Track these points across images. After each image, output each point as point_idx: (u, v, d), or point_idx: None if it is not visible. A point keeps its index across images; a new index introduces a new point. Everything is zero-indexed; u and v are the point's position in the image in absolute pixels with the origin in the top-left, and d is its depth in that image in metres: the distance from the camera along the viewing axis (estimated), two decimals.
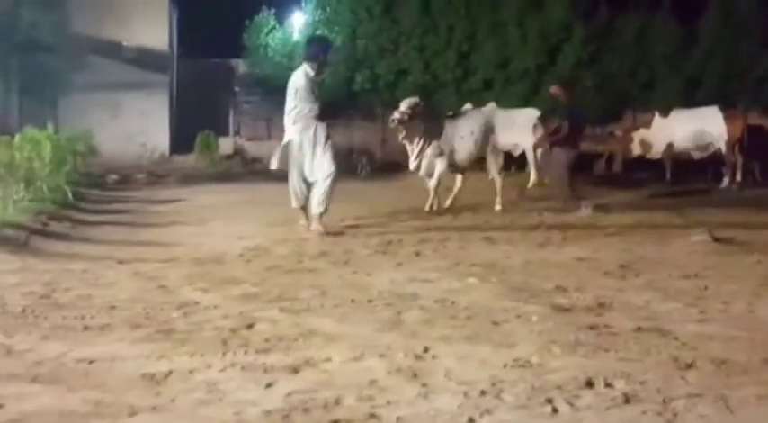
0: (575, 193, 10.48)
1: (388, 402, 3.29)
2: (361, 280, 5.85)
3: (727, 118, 12.80)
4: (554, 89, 10.65)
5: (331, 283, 5.72)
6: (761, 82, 15.48)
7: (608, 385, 3.54)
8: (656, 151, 13.45)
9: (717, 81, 15.15)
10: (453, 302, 5.13)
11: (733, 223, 8.94)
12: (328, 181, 8.20)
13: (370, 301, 5.13)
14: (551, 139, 10.64)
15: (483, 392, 3.44)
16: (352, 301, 5.12)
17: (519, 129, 12.67)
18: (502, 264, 6.54)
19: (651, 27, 15.20)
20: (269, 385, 3.48)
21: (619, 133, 14.41)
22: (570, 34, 15.09)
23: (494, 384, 3.54)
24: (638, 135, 13.47)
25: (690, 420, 3.17)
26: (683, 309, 5.02)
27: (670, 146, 13.29)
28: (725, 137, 12.81)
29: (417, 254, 7.02)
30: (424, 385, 3.52)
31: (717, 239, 7.57)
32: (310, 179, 8.31)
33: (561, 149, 10.36)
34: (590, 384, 3.54)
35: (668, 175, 13.39)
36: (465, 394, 3.41)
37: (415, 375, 3.65)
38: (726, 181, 12.93)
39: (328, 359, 3.88)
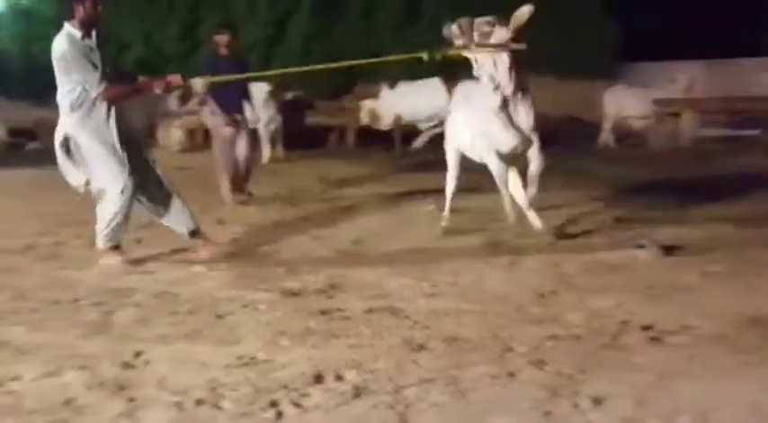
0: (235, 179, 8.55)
1: None
2: (68, 277, 5.18)
3: (450, 89, 13.17)
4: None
5: (31, 282, 5.00)
6: None
7: (338, 378, 3.27)
8: (386, 123, 13.65)
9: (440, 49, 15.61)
10: (175, 295, 4.66)
11: (461, 192, 9.09)
12: (113, 200, 5.47)
13: (75, 301, 4.52)
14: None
15: (199, 402, 3.04)
16: (55, 302, 4.49)
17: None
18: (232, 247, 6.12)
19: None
20: None
21: (350, 106, 14.47)
22: (298, 5, 14.90)
23: (213, 390, 3.16)
24: (367, 106, 13.58)
25: (422, 410, 2.97)
26: (413, 284, 4.90)
27: (398, 117, 13.52)
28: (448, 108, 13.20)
29: (138, 241, 6.37)
30: (130, 400, 3.05)
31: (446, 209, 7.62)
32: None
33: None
34: (319, 379, 3.26)
35: (397, 146, 13.61)
36: (178, 406, 2.99)
37: (122, 388, 3.17)
38: None
39: (16, 378, 3.30)
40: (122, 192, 5.45)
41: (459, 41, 6.11)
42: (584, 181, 9.44)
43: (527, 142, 6.29)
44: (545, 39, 16.93)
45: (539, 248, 5.83)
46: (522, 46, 6.06)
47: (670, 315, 4.14)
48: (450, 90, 13.21)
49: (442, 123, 13.26)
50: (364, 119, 13.83)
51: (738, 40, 18.10)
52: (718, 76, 16.98)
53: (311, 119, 14.71)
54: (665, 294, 4.57)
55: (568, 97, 17.35)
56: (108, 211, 5.49)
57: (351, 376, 3.28)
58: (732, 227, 6.48)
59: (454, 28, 6.09)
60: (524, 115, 6.21)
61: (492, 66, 6.08)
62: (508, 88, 6.11)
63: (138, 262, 5.59)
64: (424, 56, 6.23)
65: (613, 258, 5.55)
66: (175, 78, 5.79)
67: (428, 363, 3.45)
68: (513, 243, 6.04)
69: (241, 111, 8.62)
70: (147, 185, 5.65)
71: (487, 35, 6.06)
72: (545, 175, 6.37)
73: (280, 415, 2.93)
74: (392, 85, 13.43)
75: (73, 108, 5.44)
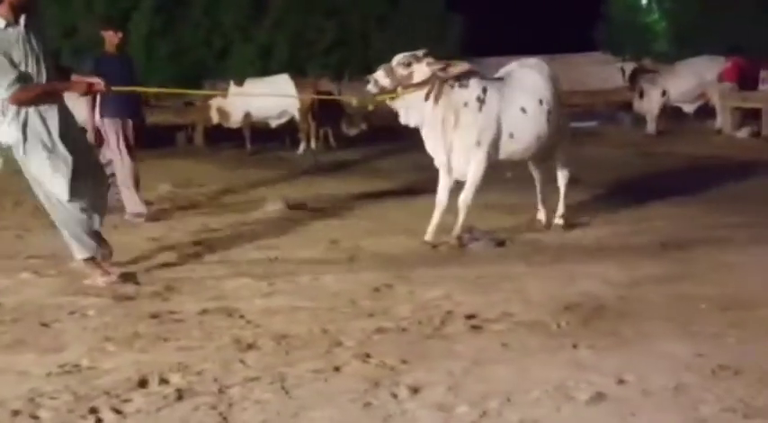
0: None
1: None
2: None
3: (298, 86, 13.24)
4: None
5: None
6: (328, 51, 16.30)
7: (163, 382, 3.27)
8: (235, 120, 13.53)
9: (287, 50, 15.63)
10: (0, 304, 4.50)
11: (309, 189, 9.17)
12: (68, 214, 4.93)
13: None
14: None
15: (16, 413, 2.98)
16: None
17: None
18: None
19: None
20: None
21: (198, 103, 14.26)
22: (138, 2, 14.56)
23: (31, 400, 3.09)
24: (216, 104, 13.42)
25: (246, 408, 3.02)
26: (252, 283, 4.93)
27: (247, 115, 13.43)
28: (297, 104, 13.27)
29: None
30: None
31: (291, 207, 7.68)
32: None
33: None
34: (143, 384, 3.24)
35: (248, 144, 13.53)
36: None
37: None
38: (302, 147, 13.40)
39: None
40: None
41: (387, 86, 5.95)
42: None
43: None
44: (390, 35, 17.43)
45: (378, 245, 5.96)
46: (456, 70, 5.97)
47: (493, 304, 4.36)
48: (298, 86, 13.37)
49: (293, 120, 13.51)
50: (213, 117, 13.66)
51: (572, 36, 19.05)
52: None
53: (158, 117, 14.41)
54: (492, 284, 4.79)
55: None
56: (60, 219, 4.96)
57: (176, 379, 3.28)
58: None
59: (374, 82, 5.94)
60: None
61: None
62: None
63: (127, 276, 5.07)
64: (354, 101, 6.37)
65: (448, 250, 5.76)
66: (98, 83, 5.02)
67: (255, 361, 3.49)
68: (354, 241, 6.14)
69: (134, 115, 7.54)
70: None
71: (409, 77, 5.96)
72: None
73: (99, 421, 2.91)
74: (240, 83, 13.32)
75: (3, 112, 4.74)
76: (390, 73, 5.96)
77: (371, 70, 6.16)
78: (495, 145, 6.07)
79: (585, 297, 4.46)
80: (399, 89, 5.96)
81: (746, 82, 13.69)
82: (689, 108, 14.56)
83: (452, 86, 5.97)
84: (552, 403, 3.04)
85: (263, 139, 13.97)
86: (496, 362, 3.46)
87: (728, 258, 5.26)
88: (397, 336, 3.86)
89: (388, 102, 6.13)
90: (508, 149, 6.16)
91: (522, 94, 6.21)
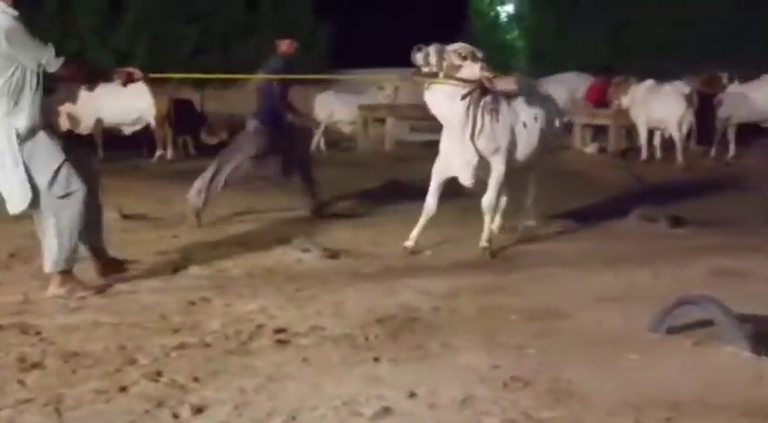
0: None
1: None
2: None
3: (154, 93, 12.88)
4: None
5: None
6: (190, 56, 15.99)
7: None
8: (86, 126, 13.05)
9: (146, 54, 15.25)
10: None
11: (152, 199, 8.89)
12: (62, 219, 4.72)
13: None
14: None
15: None
16: None
17: None
18: None
19: None
20: None
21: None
22: None
23: None
24: (65, 109, 12.91)
25: None
26: (56, 299, 4.68)
27: (99, 121, 12.99)
28: (153, 111, 12.92)
29: None
30: None
31: (126, 216, 7.41)
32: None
33: None
34: None
35: (100, 151, 13.06)
36: None
37: None
38: (157, 155, 13.05)
39: None
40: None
41: (426, 69, 5.77)
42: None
43: None
44: (253, 43, 17.26)
45: (206, 257, 5.81)
46: (501, 86, 6.03)
47: (307, 316, 4.29)
48: (155, 93, 12.99)
49: (148, 127, 13.13)
50: (63, 124, 13.12)
51: None
52: (421, 85, 18.02)
53: None
54: (310, 297, 4.72)
55: None
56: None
57: None
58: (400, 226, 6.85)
59: (425, 54, 5.71)
60: None
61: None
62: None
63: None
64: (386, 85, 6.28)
65: (276, 262, 5.68)
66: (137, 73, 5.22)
67: (35, 382, 3.31)
68: (183, 253, 5.96)
69: None
70: None
71: (457, 68, 5.79)
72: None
73: None
74: (91, 88, 12.84)
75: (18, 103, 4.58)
76: (441, 55, 5.74)
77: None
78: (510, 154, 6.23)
79: (401, 309, 4.45)
80: (442, 76, 5.76)
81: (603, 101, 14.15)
82: None
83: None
84: (337, 419, 3.00)
85: (120, 146, 13.53)
86: (292, 378, 3.39)
87: (546, 270, 5.38)
88: (197, 352, 3.73)
89: (425, 85, 5.88)
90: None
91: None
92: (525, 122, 6.33)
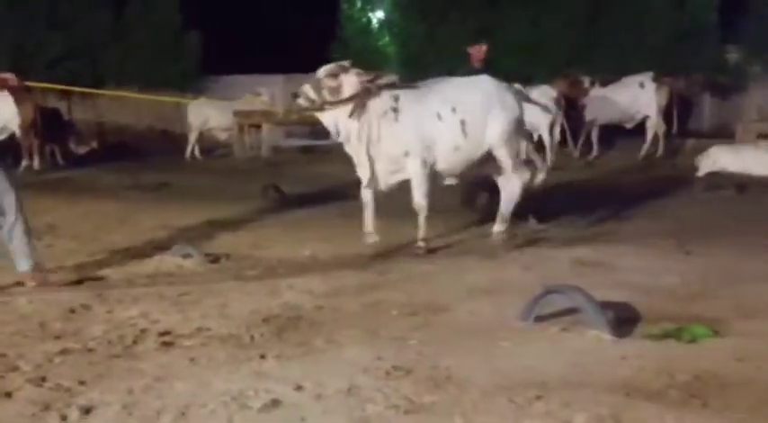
0: None
1: None
2: None
3: (18, 100, 12.43)
4: None
5: None
6: (52, 64, 15.49)
7: None
8: None
9: (6, 62, 14.65)
10: None
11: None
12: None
13: None
14: None
15: None
16: None
17: None
18: None
19: None
20: None
21: None
22: None
23: None
24: None
25: None
26: None
27: None
28: (17, 119, 12.49)
29: None
30: None
31: None
32: None
33: None
34: None
35: None
36: None
37: None
38: (24, 164, 12.61)
39: None
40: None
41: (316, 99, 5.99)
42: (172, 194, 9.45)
43: None
44: (121, 49, 16.93)
45: (82, 263, 5.74)
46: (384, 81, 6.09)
47: (191, 319, 4.33)
48: (19, 102, 12.53)
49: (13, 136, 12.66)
50: None
51: (313, 55, 19.48)
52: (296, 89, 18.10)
53: None
54: (194, 301, 4.75)
55: (155, 110, 17.38)
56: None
57: None
58: (279, 230, 6.96)
59: (304, 96, 5.97)
60: None
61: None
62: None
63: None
64: (280, 114, 6.41)
65: (156, 268, 5.67)
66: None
67: None
68: (55, 262, 5.85)
69: None
70: None
71: (338, 88, 5.94)
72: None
73: None
74: None
75: None
76: (318, 86, 5.95)
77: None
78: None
79: (285, 308, 4.55)
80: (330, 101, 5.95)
81: None
82: None
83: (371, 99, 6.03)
84: (226, 413, 3.07)
85: None
86: (179, 377, 3.44)
87: (423, 268, 5.60)
88: (80, 357, 3.72)
89: (317, 114, 6.13)
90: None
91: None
92: (440, 114, 6.26)
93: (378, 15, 19.07)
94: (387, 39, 18.72)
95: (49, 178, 11.88)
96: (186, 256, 5.92)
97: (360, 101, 6.00)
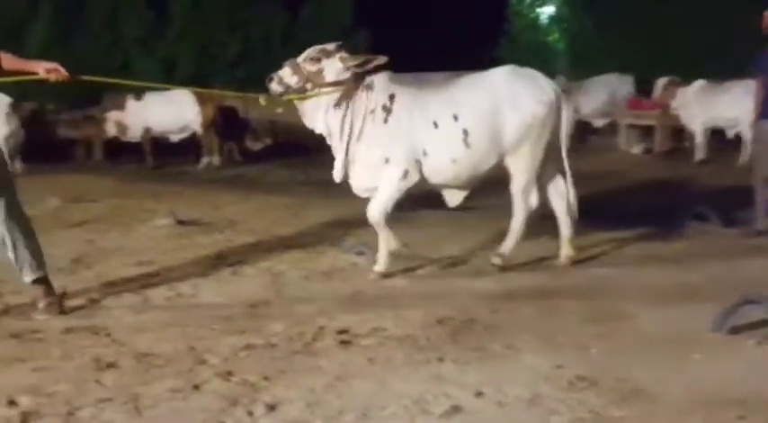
0: None
1: None
2: None
3: (199, 100, 13.07)
4: None
5: None
6: (234, 65, 16.17)
7: (11, 404, 3.15)
8: (133, 135, 13.28)
9: (191, 64, 15.47)
10: None
11: (203, 204, 9.02)
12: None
13: None
14: None
15: None
16: None
17: None
18: None
19: (121, 9, 15.00)
20: None
21: (97, 117, 13.90)
22: (35, 12, 14.17)
23: None
24: (113, 117, 13.16)
25: None
26: (125, 300, 4.81)
27: (147, 129, 13.20)
28: (199, 119, 13.11)
29: None
30: None
31: (181, 222, 7.54)
32: None
33: None
34: None
35: (149, 159, 13.28)
36: None
37: None
38: (204, 161, 13.22)
39: None
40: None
41: (293, 85, 5.17)
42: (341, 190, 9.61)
43: None
44: (293, 50, 17.37)
45: (262, 260, 5.90)
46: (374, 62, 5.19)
47: (367, 319, 4.34)
48: (199, 100, 13.16)
49: (194, 134, 13.29)
50: (110, 131, 13.37)
51: (477, 53, 19.42)
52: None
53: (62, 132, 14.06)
54: (370, 299, 4.79)
55: None
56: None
57: (25, 401, 3.17)
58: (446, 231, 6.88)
59: (278, 79, 5.16)
60: None
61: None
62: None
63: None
64: (262, 101, 5.58)
65: (331, 265, 5.74)
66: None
67: (112, 381, 3.41)
68: (238, 257, 6.05)
69: None
70: None
71: (318, 74, 5.19)
72: None
73: None
74: (139, 97, 13.08)
75: None
76: (297, 70, 5.17)
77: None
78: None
79: (459, 311, 4.49)
80: (312, 89, 5.17)
81: None
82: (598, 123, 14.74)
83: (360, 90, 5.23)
84: (407, 417, 3.05)
85: (168, 152, 13.74)
86: (359, 377, 3.45)
87: (598, 272, 5.39)
88: (264, 352, 3.81)
89: (296, 103, 5.28)
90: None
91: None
92: (437, 122, 5.31)
93: (547, 11, 18.75)
94: (556, 34, 18.36)
95: (227, 174, 12.37)
96: (359, 253, 5.97)
97: (350, 89, 5.24)
